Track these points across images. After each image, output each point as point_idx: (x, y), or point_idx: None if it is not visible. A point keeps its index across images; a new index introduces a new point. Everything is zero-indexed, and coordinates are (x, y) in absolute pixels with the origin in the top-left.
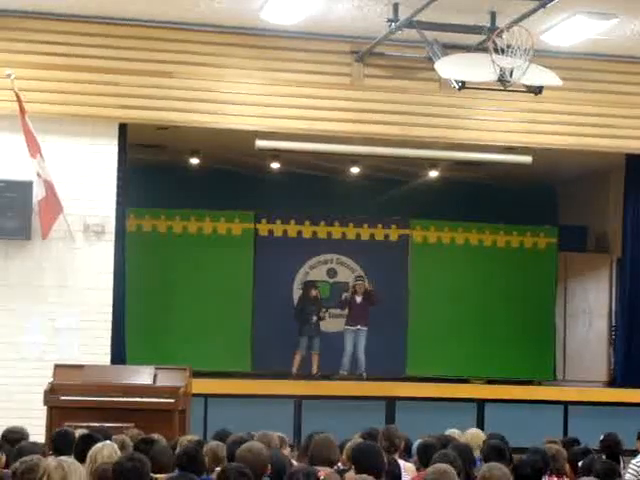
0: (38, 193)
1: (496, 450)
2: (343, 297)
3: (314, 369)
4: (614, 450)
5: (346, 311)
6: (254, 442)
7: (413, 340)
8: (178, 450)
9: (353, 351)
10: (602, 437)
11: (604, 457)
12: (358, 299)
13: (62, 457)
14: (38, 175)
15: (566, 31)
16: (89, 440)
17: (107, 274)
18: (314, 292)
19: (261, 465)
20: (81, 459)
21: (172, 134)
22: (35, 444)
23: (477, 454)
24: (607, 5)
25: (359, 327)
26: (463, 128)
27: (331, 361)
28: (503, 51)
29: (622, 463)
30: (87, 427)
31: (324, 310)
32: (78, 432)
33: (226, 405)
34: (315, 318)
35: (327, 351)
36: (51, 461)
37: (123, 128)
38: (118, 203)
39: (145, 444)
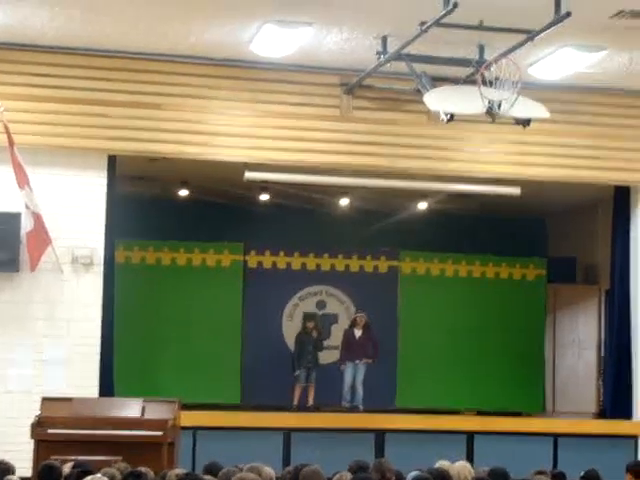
0: (26, 225)
1: None
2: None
3: (310, 401)
4: None
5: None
6: (248, 473)
7: (403, 372)
8: None
9: (352, 383)
10: (582, 474)
11: None
12: (357, 332)
13: None
14: (27, 207)
15: (554, 64)
16: (83, 475)
17: (95, 306)
18: (310, 324)
19: None
20: None
21: (161, 166)
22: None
23: None
24: (595, 38)
25: (357, 362)
26: (452, 160)
27: (324, 393)
28: (491, 84)
29: None
30: (75, 460)
31: (323, 342)
32: (66, 466)
33: (215, 438)
34: (312, 350)
35: (320, 383)
36: None
37: (112, 160)
38: (107, 235)
39: (133, 477)
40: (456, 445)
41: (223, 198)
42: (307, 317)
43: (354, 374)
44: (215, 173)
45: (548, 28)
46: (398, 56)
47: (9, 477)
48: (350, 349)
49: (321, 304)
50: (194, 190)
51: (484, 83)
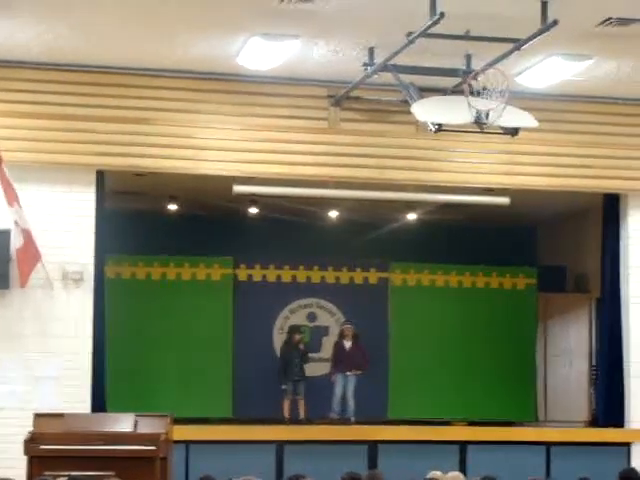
0: (16, 242)
1: None
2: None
3: (301, 414)
4: None
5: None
6: None
7: (394, 383)
8: None
9: (342, 394)
10: None
11: None
12: (347, 344)
13: None
14: (16, 224)
15: (541, 73)
16: None
17: (86, 321)
18: (297, 337)
19: None
20: None
21: (150, 180)
22: None
23: None
24: (582, 47)
25: (348, 374)
26: (440, 170)
27: (316, 405)
28: (479, 93)
29: None
30: (68, 476)
31: (308, 354)
32: None
33: (208, 451)
34: (299, 362)
35: (312, 395)
36: None
37: (100, 175)
38: (97, 250)
39: None
40: (449, 455)
41: (212, 212)
42: (293, 329)
43: (344, 386)
44: (204, 187)
45: (535, 37)
46: (385, 67)
47: None
48: (341, 361)
49: (312, 316)
50: (183, 204)
51: (472, 93)
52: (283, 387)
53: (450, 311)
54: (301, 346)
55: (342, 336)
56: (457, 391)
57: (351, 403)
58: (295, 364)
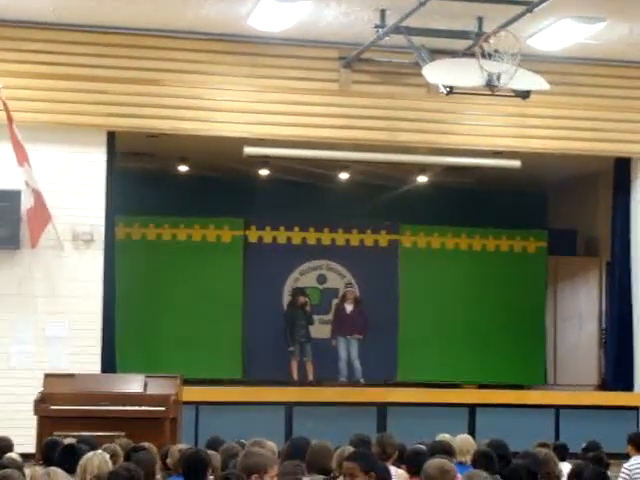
0: (27, 202)
1: (484, 456)
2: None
3: (309, 376)
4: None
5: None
6: (254, 447)
7: (404, 346)
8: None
9: (347, 357)
10: (584, 446)
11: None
12: (348, 307)
13: (50, 467)
14: (26, 184)
15: (553, 35)
16: (72, 451)
17: (96, 282)
18: (302, 299)
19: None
20: (65, 469)
21: (161, 142)
22: (14, 460)
23: (467, 459)
24: (594, 9)
25: (348, 337)
26: (451, 133)
27: (325, 367)
28: (490, 56)
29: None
30: (77, 436)
31: (312, 317)
32: (66, 441)
33: (217, 413)
34: (304, 324)
35: (320, 357)
36: (38, 469)
37: (111, 136)
38: (107, 211)
39: (135, 453)
40: (458, 418)
41: (223, 173)
42: (299, 292)
43: (347, 349)
44: (215, 148)
45: None
46: (396, 29)
47: (9, 455)
48: (341, 324)
49: (321, 278)
50: (194, 166)
51: (483, 55)
52: (290, 349)
53: (460, 274)
54: (307, 308)
55: (344, 299)
56: (466, 354)
57: (357, 365)
58: (301, 326)
